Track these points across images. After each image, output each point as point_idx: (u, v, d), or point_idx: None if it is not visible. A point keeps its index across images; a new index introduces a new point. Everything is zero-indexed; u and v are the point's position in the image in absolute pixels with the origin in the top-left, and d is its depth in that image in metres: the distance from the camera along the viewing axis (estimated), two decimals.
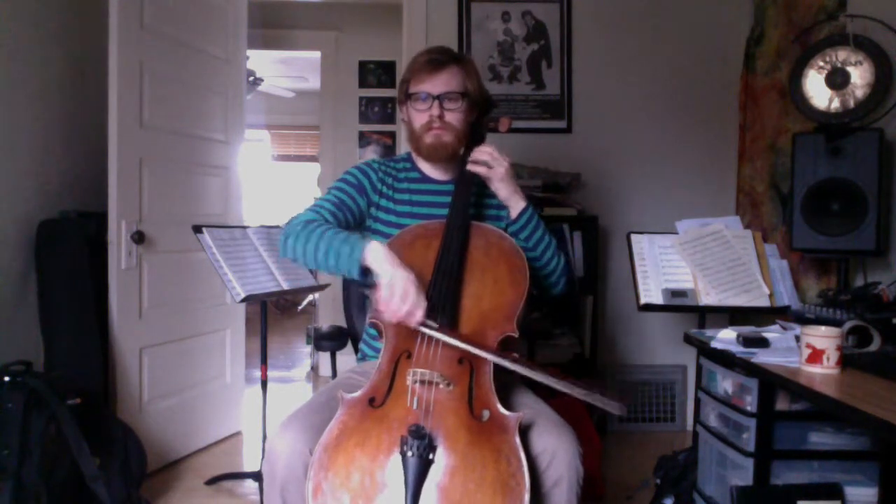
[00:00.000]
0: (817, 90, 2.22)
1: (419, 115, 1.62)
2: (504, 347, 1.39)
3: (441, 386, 1.29)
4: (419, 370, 1.30)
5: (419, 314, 1.33)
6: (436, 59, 1.60)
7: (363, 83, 4.59)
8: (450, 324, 1.39)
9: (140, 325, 2.62)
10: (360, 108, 4.60)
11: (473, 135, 1.68)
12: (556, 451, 1.30)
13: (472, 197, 1.62)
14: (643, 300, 2.19)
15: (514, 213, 1.63)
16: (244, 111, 3.27)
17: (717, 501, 1.83)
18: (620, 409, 1.22)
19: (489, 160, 1.58)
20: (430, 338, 1.35)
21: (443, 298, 1.40)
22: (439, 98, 1.58)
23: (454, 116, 1.61)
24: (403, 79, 1.66)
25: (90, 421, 2.06)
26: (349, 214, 1.64)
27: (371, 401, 1.29)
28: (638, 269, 2.25)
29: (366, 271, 1.42)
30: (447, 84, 1.59)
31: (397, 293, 1.32)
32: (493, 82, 3.24)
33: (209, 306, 3.02)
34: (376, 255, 1.39)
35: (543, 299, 1.74)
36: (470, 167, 1.60)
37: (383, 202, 1.68)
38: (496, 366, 1.35)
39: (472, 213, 1.61)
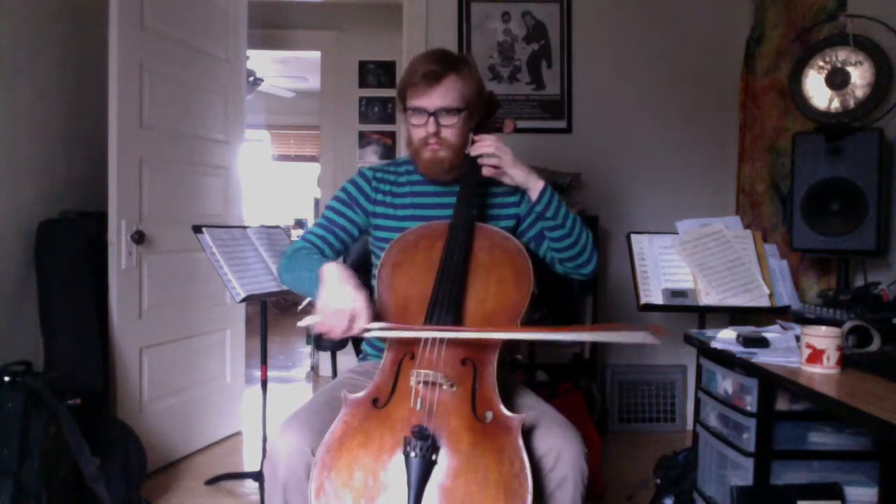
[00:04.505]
0: (817, 90, 2.22)
1: (416, 130, 1.58)
2: (507, 348, 1.39)
3: (444, 387, 1.29)
4: (422, 371, 1.30)
5: (357, 327, 1.30)
6: (432, 72, 1.53)
7: (363, 83, 4.58)
8: (454, 325, 1.38)
9: (140, 325, 2.62)
10: (360, 108, 4.60)
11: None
12: (561, 451, 1.31)
13: (475, 197, 1.61)
14: (643, 300, 2.19)
15: (534, 195, 1.59)
16: (244, 111, 3.27)
17: (717, 501, 1.83)
18: (647, 337, 1.19)
19: (494, 151, 1.55)
20: (434, 339, 1.35)
21: (446, 300, 1.40)
22: (435, 114, 1.54)
23: (451, 132, 1.56)
24: (401, 86, 1.61)
25: (90, 421, 2.06)
26: (342, 232, 1.65)
27: (374, 401, 1.29)
28: (638, 269, 2.25)
29: None
30: (443, 98, 1.54)
31: (329, 314, 1.30)
32: (493, 82, 3.24)
33: (209, 306, 3.02)
34: (326, 275, 1.36)
35: (576, 280, 1.71)
36: (485, 172, 1.58)
37: (380, 209, 1.67)
38: (499, 367, 1.36)
39: (476, 213, 1.60)
